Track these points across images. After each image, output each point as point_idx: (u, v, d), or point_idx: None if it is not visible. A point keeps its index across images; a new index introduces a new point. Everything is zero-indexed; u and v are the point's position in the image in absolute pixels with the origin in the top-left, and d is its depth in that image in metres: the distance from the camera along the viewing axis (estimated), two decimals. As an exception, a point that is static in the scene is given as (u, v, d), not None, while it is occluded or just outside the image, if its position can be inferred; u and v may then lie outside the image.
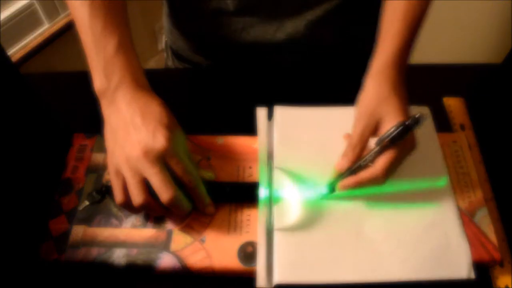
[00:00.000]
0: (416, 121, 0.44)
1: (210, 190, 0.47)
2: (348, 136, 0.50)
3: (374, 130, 0.46)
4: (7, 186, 0.52)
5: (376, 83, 0.48)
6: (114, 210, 0.49)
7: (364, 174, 0.45)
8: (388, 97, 0.46)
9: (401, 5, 0.50)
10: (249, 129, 0.54)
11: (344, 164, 0.46)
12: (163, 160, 0.42)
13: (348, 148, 0.47)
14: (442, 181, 0.49)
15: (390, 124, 0.45)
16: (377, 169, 0.45)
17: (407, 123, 0.44)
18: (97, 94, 0.45)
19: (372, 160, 0.45)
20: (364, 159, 0.46)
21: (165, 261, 0.45)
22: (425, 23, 0.52)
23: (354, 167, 0.46)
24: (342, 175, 0.47)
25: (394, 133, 0.44)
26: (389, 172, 0.45)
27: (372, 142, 0.46)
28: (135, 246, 0.46)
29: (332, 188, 0.47)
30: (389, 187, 0.48)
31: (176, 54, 0.75)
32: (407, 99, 0.47)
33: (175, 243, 0.46)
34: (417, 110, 0.45)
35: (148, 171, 0.42)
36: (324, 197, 0.48)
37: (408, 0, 0.50)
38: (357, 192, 0.48)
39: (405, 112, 0.46)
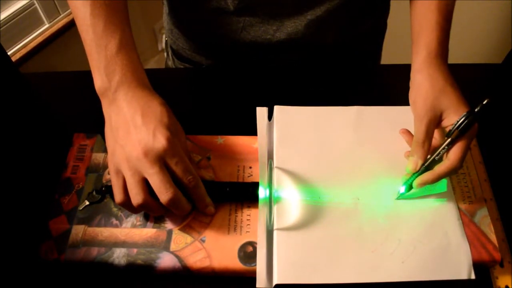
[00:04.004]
0: (484, 108, 0.44)
1: (210, 190, 0.47)
2: (405, 132, 0.51)
3: (437, 123, 0.47)
4: (7, 186, 0.52)
5: (427, 76, 0.48)
6: (114, 210, 0.49)
7: (442, 168, 0.45)
8: (444, 88, 0.47)
9: None
10: (249, 129, 0.54)
11: (418, 162, 0.47)
12: (163, 160, 0.42)
13: (416, 146, 0.47)
14: (442, 181, 0.49)
15: (455, 115, 0.45)
16: (453, 161, 0.45)
17: (476, 110, 0.44)
18: (98, 93, 0.45)
19: (445, 153, 0.46)
20: (438, 153, 0.46)
21: (165, 261, 0.45)
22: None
23: (428, 163, 0.46)
24: (416, 172, 0.47)
25: (464, 123, 0.44)
26: (463, 161, 0.45)
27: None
28: (135, 246, 0.46)
29: (408, 187, 0.47)
30: (391, 189, 0.49)
31: (176, 54, 0.75)
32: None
33: (175, 243, 0.46)
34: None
35: (147, 171, 0.42)
36: (400, 197, 0.48)
37: None
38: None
39: (464, 100, 0.47)
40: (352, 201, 0.48)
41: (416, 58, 0.50)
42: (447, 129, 0.46)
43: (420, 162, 0.46)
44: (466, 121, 0.44)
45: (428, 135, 0.46)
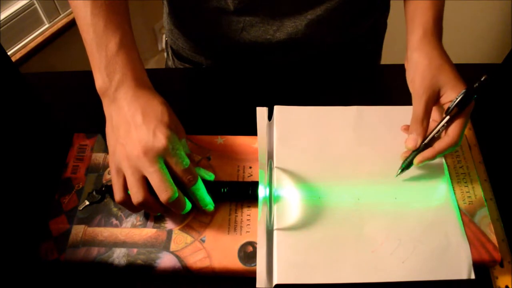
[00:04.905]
0: (483, 84, 0.44)
1: (210, 190, 0.47)
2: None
3: (436, 100, 0.47)
4: (8, 186, 0.52)
5: (424, 54, 0.49)
6: (114, 210, 0.49)
7: (441, 145, 0.46)
8: (442, 65, 0.48)
9: None
10: (249, 129, 0.54)
11: (417, 139, 0.47)
12: (163, 159, 0.42)
13: (416, 123, 0.47)
14: (442, 181, 0.49)
15: (453, 92, 0.46)
16: (452, 137, 0.46)
17: (475, 86, 0.45)
18: (99, 92, 0.45)
19: (444, 130, 0.46)
20: (437, 130, 0.47)
21: (165, 261, 0.45)
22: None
23: (427, 140, 0.47)
24: (415, 150, 0.48)
25: (464, 100, 0.45)
26: (462, 137, 0.46)
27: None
28: (135, 246, 0.46)
29: (407, 165, 0.48)
30: (391, 189, 0.49)
31: (176, 54, 0.75)
32: None
33: (175, 243, 0.46)
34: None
35: (147, 169, 0.42)
36: (400, 173, 0.49)
37: None
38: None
39: (461, 78, 0.47)
40: (352, 201, 0.48)
41: (412, 36, 0.51)
42: (445, 107, 0.47)
43: (419, 140, 0.47)
44: (465, 98, 0.45)
45: (427, 113, 0.47)
